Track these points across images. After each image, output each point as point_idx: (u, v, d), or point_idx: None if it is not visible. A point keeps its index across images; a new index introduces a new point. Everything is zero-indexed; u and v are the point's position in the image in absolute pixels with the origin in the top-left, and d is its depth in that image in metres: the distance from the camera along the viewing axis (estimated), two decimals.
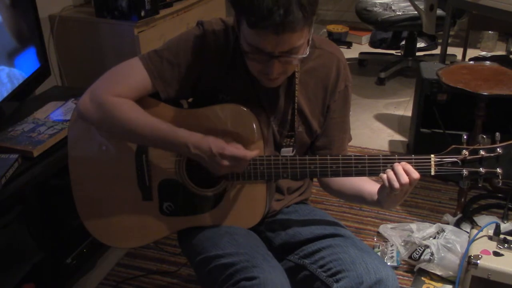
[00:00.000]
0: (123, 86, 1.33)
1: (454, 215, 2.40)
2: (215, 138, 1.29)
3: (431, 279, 2.09)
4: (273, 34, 1.16)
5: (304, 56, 1.26)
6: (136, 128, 1.31)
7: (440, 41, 3.85)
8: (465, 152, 1.27)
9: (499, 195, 2.53)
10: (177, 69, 1.35)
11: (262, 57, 1.23)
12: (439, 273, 2.07)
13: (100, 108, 1.32)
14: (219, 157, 1.27)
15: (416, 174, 1.25)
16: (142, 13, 2.37)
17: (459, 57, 3.74)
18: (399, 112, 3.52)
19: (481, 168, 1.27)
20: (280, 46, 1.19)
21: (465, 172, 1.28)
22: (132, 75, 1.35)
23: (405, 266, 2.18)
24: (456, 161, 1.28)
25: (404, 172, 1.24)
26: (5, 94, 1.90)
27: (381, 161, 1.30)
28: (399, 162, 1.27)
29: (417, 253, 2.11)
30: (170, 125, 1.31)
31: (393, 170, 1.25)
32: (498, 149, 1.26)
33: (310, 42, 1.27)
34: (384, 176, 1.26)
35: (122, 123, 1.31)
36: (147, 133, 1.31)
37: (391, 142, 3.15)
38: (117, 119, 1.31)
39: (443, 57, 3.12)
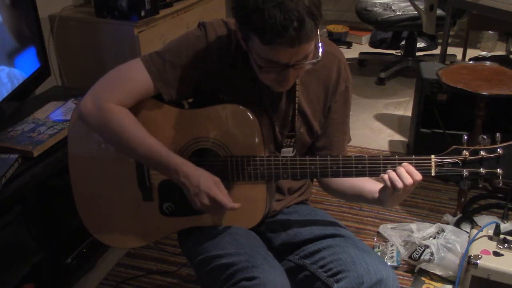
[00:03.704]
0: (125, 90, 1.34)
1: (454, 215, 2.40)
2: (209, 174, 1.32)
3: (431, 279, 2.09)
4: (289, 47, 1.16)
5: (319, 59, 1.26)
6: (132, 145, 1.32)
7: (440, 41, 3.85)
8: (465, 152, 1.27)
9: (499, 195, 2.53)
10: (179, 71, 1.35)
11: (277, 69, 1.23)
12: (439, 273, 2.07)
13: (101, 116, 1.32)
14: (203, 194, 1.29)
15: (418, 176, 1.25)
16: (142, 13, 2.37)
17: (459, 57, 3.74)
18: (399, 112, 3.52)
19: (481, 169, 1.27)
20: (295, 56, 1.20)
21: (465, 172, 1.28)
22: (134, 78, 1.35)
23: (405, 266, 2.18)
24: (457, 162, 1.28)
25: (407, 173, 1.24)
26: (5, 94, 1.90)
27: (381, 161, 1.30)
28: (399, 163, 1.28)
29: (417, 253, 2.11)
30: (166, 149, 1.32)
31: (396, 172, 1.26)
32: (498, 150, 1.26)
33: (319, 43, 1.27)
34: (386, 176, 1.26)
35: (119, 136, 1.32)
36: (143, 151, 1.32)
37: (391, 142, 3.15)
38: (115, 132, 1.32)
39: (443, 57, 3.12)
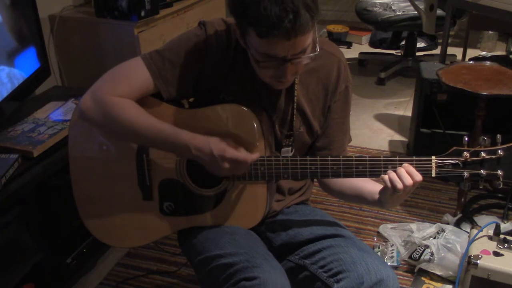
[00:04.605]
0: (125, 86, 1.33)
1: (454, 215, 2.40)
2: (217, 139, 1.30)
3: (431, 279, 2.09)
4: (285, 40, 1.16)
5: (316, 54, 1.26)
6: (137, 128, 1.31)
7: (440, 41, 3.85)
8: (466, 154, 1.27)
9: (499, 195, 2.53)
10: (179, 69, 1.35)
11: (274, 63, 1.23)
12: (439, 273, 2.07)
13: (101, 108, 1.32)
14: (220, 159, 1.27)
15: (419, 177, 1.25)
16: (142, 13, 2.37)
17: (459, 57, 3.74)
18: (399, 112, 3.52)
19: (482, 170, 1.27)
20: (292, 50, 1.20)
21: (466, 174, 1.28)
22: (134, 75, 1.35)
23: (405, 266, 2.18)
24: (457, 163, 1.28)
25: (407, 174, 1.25)
26: (5, 94, 1.90)
27: (382, 162, 1.30)
28: (400, 164, 1.28)
29: (417, 253, 2.11)
30: (172, 126, 1.31)
31: (396, 173, 1.26)
32: (499, 151, 1.26)
33: (317, 38, 1.27)
34: (386, 177, 1.26)
35: (123, 123, 1.31)
36: (148, 133, 1.31)
37: (391, 142, 3.15)
38: (118, 119, 1.31)
39: (443, 57, 3.12)
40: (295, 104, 1.40)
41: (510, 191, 2.41)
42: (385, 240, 2.30)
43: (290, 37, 1.16)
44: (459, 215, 2.38)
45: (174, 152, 1.35)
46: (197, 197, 1.41)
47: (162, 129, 1.31)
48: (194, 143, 1.29)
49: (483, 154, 1.26)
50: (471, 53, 4.01)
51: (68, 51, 2.55)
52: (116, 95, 1.32)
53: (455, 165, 1.28)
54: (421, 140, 2.82)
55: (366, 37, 4.66)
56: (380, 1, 3.91)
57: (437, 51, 4.19)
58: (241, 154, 1.29)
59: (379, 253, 2.22)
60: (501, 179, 1.27)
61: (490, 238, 1.86)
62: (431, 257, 2.06)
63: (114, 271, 2.18)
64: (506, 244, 1.82)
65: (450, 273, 2.05)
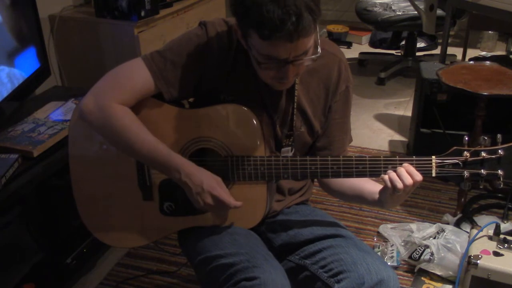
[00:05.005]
0: (126, 89, 1.34)
1: (454, 215, 2.40)
2: (210, 174, 1.32)
3: (431, 279, 2.09)
4: (288, 42, 1.16)
5: (318, 55, 1.26)
6: (132, 145, 1.32)
7: (440, 41, 3.85)
8: (466, 153, 1.27)
9: (499, 195, 2.53)
10: (180, 70, 1.35)
11: (276, 65, 1.23)
12: (439, 273, 2.07)
13: (102, 115, 1.32)
14: (207, 193, 1.30)
15: (419, 176, 1.25)
16: (142, 13, 2.37)
17: (459, 57, 3.74)
18: (399, 112, 3.52)
19: (482, 170, 1.27)
20: (294, 52, 1.20)
21: (466, 173, 1.28)
22: (135, 77, 1.35)
23: (405, 266, 2.18)
24: (457, 163, 1.28)
25: (407, 174, 1.25)
26: (5, 94, 1.90)
27: (382, 162, 1.30)
28: (400, 163, 1.28)
29: (417, 253, 2.11)
30: (167, 148, 1.32)
31: (396, 172, 1.26)
32: (499, 151, 1.26)
33: (318, 40, 1.27)
34: (386, 177, 1.26)
35: (121, 135, 1.32)
36: (142, 151, 1.32)
37: (391, 142, 3.15)
38: (116, 131, 1.32)
39: (443, 57, 3.12)
40: (295, 104, 1.40)
41: (510, 191, 2.41)
42: (385, 240, 2.30)
43: (292, 39, 1.16)
44: (459, 215, 2.38)
45: (163, 172, 1.36)
46: None
47: (158, 149, 1.32)
48: (186, 169, 1.30)
49: (483, 154, 1.26)
50: (471, 53, 4.02)
51: (68, 51, 2.56)
52: (119, 100, 1.32)
53: (455, 165, 1.28)
54: (421, 140, 2.82)
55: (366, 37, 4.66)
56: (380, 1, 3.91)
57: (437, 51, 4.19)
58: (227, 197, 1.31)
59: (379, 253, 2.22)
60: (501, 179, 1.27)
61: (490, 238, 1.86)
62: (431, 257, 2.06)
63: (114, 271, 2.18)
64: (506, 244, 1.82)
65: (450, 273, 2.05)
